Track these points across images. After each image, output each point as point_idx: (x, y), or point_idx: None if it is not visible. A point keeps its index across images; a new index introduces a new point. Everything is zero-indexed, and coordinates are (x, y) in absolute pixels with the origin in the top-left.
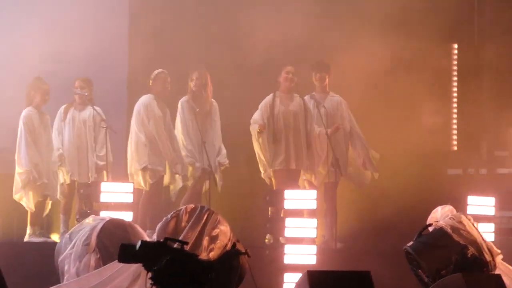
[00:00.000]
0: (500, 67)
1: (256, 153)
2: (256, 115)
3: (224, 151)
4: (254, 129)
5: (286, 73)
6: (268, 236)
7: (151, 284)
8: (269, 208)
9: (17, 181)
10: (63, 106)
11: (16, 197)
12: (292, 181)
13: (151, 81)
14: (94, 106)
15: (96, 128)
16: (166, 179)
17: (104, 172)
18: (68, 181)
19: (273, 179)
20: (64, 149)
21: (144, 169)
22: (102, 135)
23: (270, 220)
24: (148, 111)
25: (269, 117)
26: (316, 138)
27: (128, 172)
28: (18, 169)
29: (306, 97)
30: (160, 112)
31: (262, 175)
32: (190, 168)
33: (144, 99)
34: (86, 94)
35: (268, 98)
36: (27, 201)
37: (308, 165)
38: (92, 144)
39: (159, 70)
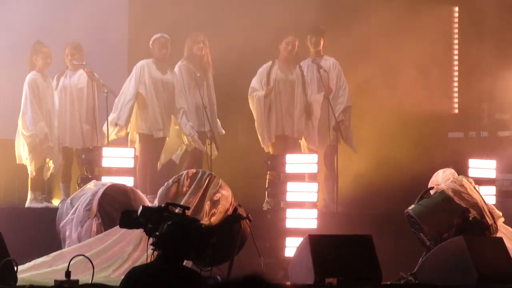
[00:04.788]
0: (501, 30)
1: (255, 121)
2: (254, 82)
3: (218, 120)
4: (257, 96)
5: (286, 44)
6: (266, 201)
7: (152, 249)
8: (268, 173)
9: (23, 144)
10: (56, 76)
11: (21, 161)
12: (291, 148)
13: (150, 45)
14: (89, 71)
15: (88, 92)
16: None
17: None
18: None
19: (270, 147)
20: (57, 117)
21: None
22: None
23: (271, 185)
24: (141, 73)
25: (266, 83)
26: (316, 104)
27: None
28: (24, 133)
29: (306, 61)
30: (159, 74)
31: (262, 143)
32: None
33: (140, 62)
34: (75, 62)
35: (266, 64)
36: (31, 165)
37: (307, 134)
38: (85, 110)
39: (158, 34)
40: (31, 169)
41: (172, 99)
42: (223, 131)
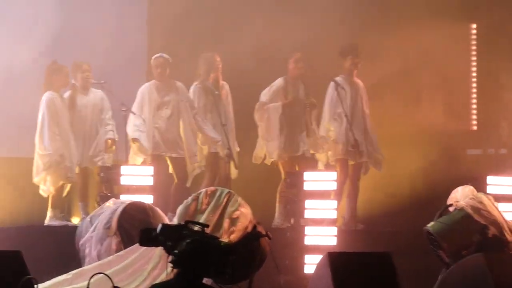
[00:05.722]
0: None
1: (262, 137)
2: (265, 98)
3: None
4: (274, 105)
5: (295, 62)
6: (276, 220)
7: (171, 267)
8: (278, 191)
9: (39, 164)
10: (68, 93)
11: (35, 180)
12: (304, 165)
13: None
14: (102, 90)
15: (104, 111)
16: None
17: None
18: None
19: (280, 166)
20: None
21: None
22: (109, 117)
23: (290, 202)
24: (143, 98)
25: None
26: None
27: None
28: (40, 152)
29: (333, 82)
30: (156, 95)
31: (267, 160)
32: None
33: (142, 86)
34: (94, 81)
35: (280, 82)
36: (48, 184)
37: (315, 149)
38: (98, 128)
39: (158, 54)
40: (45, 188)
41: (179, 114)
42: (238, 148)
